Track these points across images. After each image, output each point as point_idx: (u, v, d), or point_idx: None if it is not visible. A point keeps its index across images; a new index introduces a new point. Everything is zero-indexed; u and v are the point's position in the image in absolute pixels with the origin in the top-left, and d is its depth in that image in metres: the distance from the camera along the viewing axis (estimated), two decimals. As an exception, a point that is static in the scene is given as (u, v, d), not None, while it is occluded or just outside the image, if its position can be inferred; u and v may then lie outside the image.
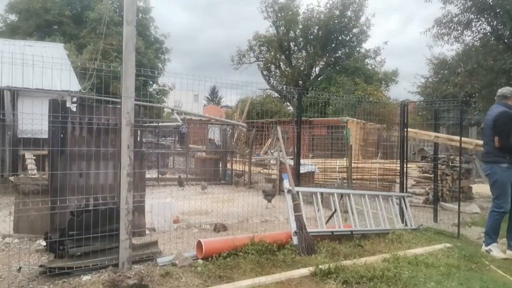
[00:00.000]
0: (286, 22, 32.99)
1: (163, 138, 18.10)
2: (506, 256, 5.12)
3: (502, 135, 5.13)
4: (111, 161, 5.27)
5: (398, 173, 7.70)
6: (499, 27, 17.87)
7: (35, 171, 9.30)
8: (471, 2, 17.14)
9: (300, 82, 33.44)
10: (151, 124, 14.32)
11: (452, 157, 10.43)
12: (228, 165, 13.40)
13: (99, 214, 4.42)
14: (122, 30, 4.36)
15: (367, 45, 41.97)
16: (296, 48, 35.23)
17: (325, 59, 33.58)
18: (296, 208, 5.11)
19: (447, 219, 7.73)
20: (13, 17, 28.36)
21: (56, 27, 27.33)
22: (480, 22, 18.53)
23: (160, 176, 11.96)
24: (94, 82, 9.56)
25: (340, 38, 33.42)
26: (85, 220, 4.36)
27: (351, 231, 5.63)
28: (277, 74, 36.78)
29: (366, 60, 34.20)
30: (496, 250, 5.19)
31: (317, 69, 34.83)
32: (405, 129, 7.37)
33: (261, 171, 13.34)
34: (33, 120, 6.00)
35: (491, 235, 5.24)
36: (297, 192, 5.33)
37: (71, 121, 5.12)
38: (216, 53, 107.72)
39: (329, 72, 33.23)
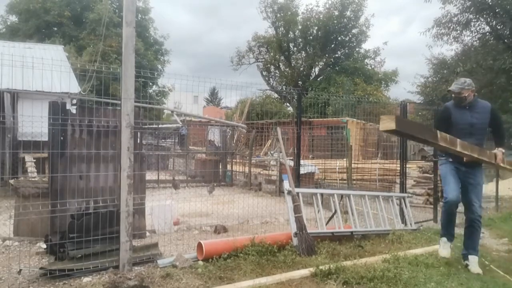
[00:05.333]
0: (285, 22, 33.01)
1: (163, 140, 18.10)
2: (445, 256, 4.66)
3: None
4: (111, 163, 5.27)
5: (398, 174, 7.71)
6: (499, 27, 17.89)
7: (35, 174, 9.31)
8: (470, 2, 17.17)
9: (299, 82, 33.45)
10: (151, 126, 14.33)
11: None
12: (228, 167, 13.41)
13: (99, 217, 4.43)
14: (121, 31, 4.37)
15: (367, 46, 41.87)
16: (295, 48, 35.25)
17: (324, 60, 33.60)
18: (296, 209, 5.11)
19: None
20: (13, 18, 28.39)
21: (56, 28, 27.32)
22: (479, 22, 18.57)
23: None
24: (94, 84, 9.57)
25: (339, 38, 33.44)
26: (85, 223, 4.37)
27: (351, 232, 5.63)
28: (276, 74, 36.81)
29: (366, 61, 34.22)
30: (442, 246, 4.71)
31: (317, 69, 34.87)
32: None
33: (261, 172, 13.34)
34: (33, 123, 5.99)
35: (442, 228, 4.84)
36: (297, 193, 5.33)
37: (71, 123, 5.13)
38: (220, 54, 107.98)
39: (328, 72, 33.25)
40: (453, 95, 4.74)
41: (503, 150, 4.63)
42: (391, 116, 3.63)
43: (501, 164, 4.72)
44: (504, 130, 4.92)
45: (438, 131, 4.11)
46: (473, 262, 4.53)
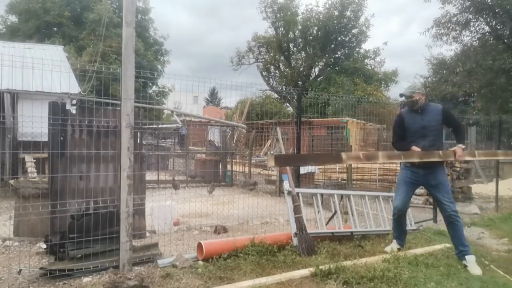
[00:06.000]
0: (285, 22, 33.03)
1: (163, 140, 18.10)
2: (391, 250, 4.97)
3: (392, 136, 5.27)
4: (111, 164, 5.27)
5: (398, 174, 7.70)
6: (498, 27, 17.89)
7: (35, 174, 9.31)
8: (469, 2, 17.17)
9: (299, 82, 33.47)
10: (151, 126, 14.34)
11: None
12: (228, 167, 13.40)
13: (99, 217, 4.44)
14: (121, 31, 4.37)
15: (367, 46, 41.94)
16: (295, 48, 35.27)
17: (324, 60, 33.62)
18: (296, 209, 5.11)
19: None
20: (13, 19, 28.40)
21: (55, 28, 27.33)
22: (479, 22, 18.56)
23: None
24: (94, 84, 9.58)
25: (339, 38, 33.45)
26: (85, 223, 4.38)
27: (351, 232, 5.63)
28: (276, 75, 36.83)
29: (366, 61, 34.24)
30: (393, 245, 5.08)
31: (317, 69, 34.90)
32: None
33: (261, 172, 13.35)
34: (33, 123, 5.99)
35: (394, 232, 5.19)
36: (297, 193, 5.33)
37: (71, 124, 5.13)
38: (220, 54, 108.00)
39: (328, 72, 33.27)
40: (405, 99, 4.99)
41: (463, 146, 4.84)
42: (272, 156, 4.32)
43: (462, 158, 5.04)
44: (461, 127, 5.14)
45: (342, 153, 4.72)
46: (471, 262, 4.56)
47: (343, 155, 4.66)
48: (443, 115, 4.88)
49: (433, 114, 4.87)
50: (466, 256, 4.60)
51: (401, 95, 5.24)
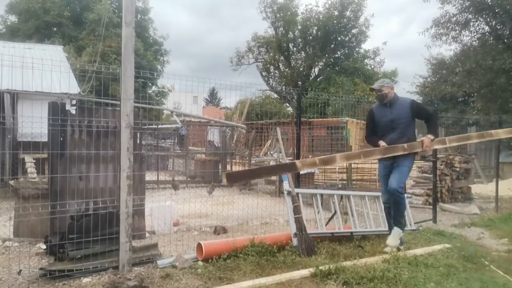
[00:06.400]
0: (285, 22, 33.01)
1: (163, 140, 18.09)
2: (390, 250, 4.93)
3: (366, 131, 5.48)
4: (111, 164, 5.27)
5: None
6: (498, 27, 17.88)
7: (35, 175, 9.30)
8: (469, 2, 17.15)
9: (299, 82, 33.44)
10: (151, 126, 14.33)
11: (451, 157, 10.44)
12: (228, 167, 13.40)
13: (99, 218, 4.44)
14: (121, 31, 4.37)
15: (367, 46, 41.99)
16: (295, 49, 35.24)
17: (324, 60, 33.59)
18: (296, 210, 5.11)
19: (446, 220, 7.73)
20: (13, 19, 28.39)
21: (55, 28, 27.31)
22: (479, 22, 18.54)
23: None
24: (94, 85, 9.56)
25: (339, 38, 33.43)
26: (85, 224, 4.38)
27: (351, 232, 5.64)
28: (276, 75, 36.78)
29: (366, 61, 34.23)
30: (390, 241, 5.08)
31: (316, 69, 34.86)
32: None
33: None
34: (33, 123, 5.99)
35: (389, 227, 5.32)
36: (297, 193, 5.33)
37: (71, 124, 5.12)
38: (220, 54, 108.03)
39: (328, 72, 33.25)
40: (375, 93, 5.24)
41: (432, 137, 5.03)
42: (224, 174, 4.24)
43: (430, 148, 5.18)
44: (433, 118, 5.27)
45: (296, 162, 4.79)
46: (394, 233, 4.97)
47: (298, 163, 4.69)
48: (412, 108, 5.07)
49: (402, 108, 5.07)
50: (393, 228, 5.00)
51: (371, 89, 5.49)
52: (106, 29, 23.07)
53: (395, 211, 5.08)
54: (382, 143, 4.99)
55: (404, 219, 5.33)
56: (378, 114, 5.22)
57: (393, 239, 4.98)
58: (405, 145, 4.95)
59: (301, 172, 7.65)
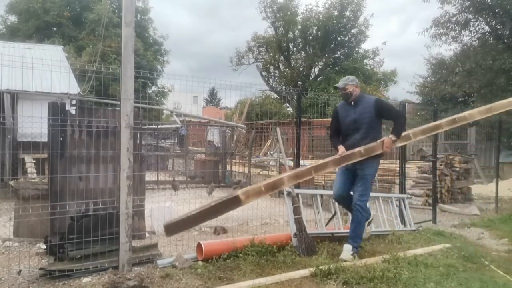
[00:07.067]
0: (285, 22, 33.01)
1: (163, 140, 18.09)
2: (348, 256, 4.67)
3: (330, 129, 5.27)
4: (111, 164, 5.27)
5: (398, 174, 7.71)
6: (498, 26, 17.88)
7: (35, 175, 9.30)
8: (469, 2, 17.18)
9: (299, 82, 33.44)
10: (151, 127, 14.33)
11: (451, 157, 10.44)
12: (228, 167, 13.39)
13: (99, 219, 4.44)
14: (121, 31, 4.37)
15: (367, 46, 42.00)
16: (295, 48, 35.24)
17: (324, 60, 33.59)
18: (296, 211, 5.10)
19: (446, 220, 7.73)
20: (13, 19, 28.40)
21: (55, 28, 27.31)
22: (479, 22, 18.55)
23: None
24: (93, 85, 9.57)
25: (338, 38, 33.45)
26: (85, 225, 4.38)
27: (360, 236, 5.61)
28: (276, 75, 36.79)
29: (365, 61, 34.24)
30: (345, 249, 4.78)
31: (316, 69, 34.86)
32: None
33: (261, 172, 13.34)
34: (33, 123, 5.99)
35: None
36: (297, 194, 5.33)
37: (71, 124, 5.12)
38: (220, 54, 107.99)
39: (328, 72, 33.24)
40: (340, 92, 4.98)
41: (394, 137, 4.72)
42: (163, 227, 4.11)
43: (390, 149, 4.82)
44: (399, 118, 4.89)
45: (239, 194, 4.17)
46: (345, 249, 4.73)
47: (241, 195, 4.13)
48: (376, 107, 4.81)
49: (366, 107, 4.83)
50: (344, 245, 4.78)
51: (335, 88, 5.25)
52: (106, 29, 23.07)
53: (352, 226, 4.85)
54: (341, 149, 4.73)
55: (361, 235, 4.92)
56: (342, 113, 4.98)
57: (345, 254, 4.66)
58: (362, 149, 4.66)
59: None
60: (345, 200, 5.09)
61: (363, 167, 4.81)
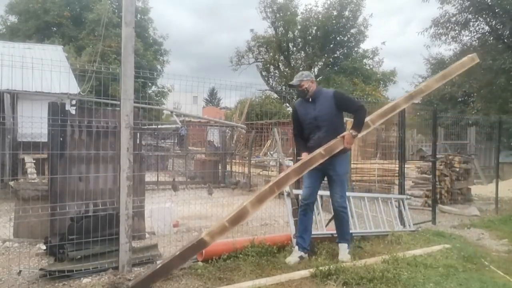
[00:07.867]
0: (285, 22, 33.05)
1: (163, 141, 18.09)
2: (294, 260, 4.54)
3: (293, 130, 4.98)
4: (111, 164, 5.27)
5: (397, 174, 7.70)
6: (498, 26, 17.89)
7: (35, 175, 9.30)
8: (468, 2, 17.18)
9: (299, 82, 33.40)
10: (151, 127, 14.34)
11: (450, 157, 10.44)
12: (228, 167, 13.38)
13: (99, 219, 4.44)
14: (120, 31, 4.38)
15: (366, 46, 41.90)
16: (294, 48, 35.27)
17: (323, 60, 33.64)
18: (295, 212, 5.08)
19: (446, 221, 7.73)
20: (13, 19, 28.42)
21: (55, 28, 27.33)
22: (478, 22, 18.56)
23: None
24: (93, 85, 9.58)
25: (338, 38, 33.48)
26: (85, 225, 4.38)
27: (351, 233, 5.63)
28: (276, 75, 36.81)
29: (364, 61, 34.25)
30: (293, 254, 4.65)
31: (316, 69, 34.86)
32: (404, 130, 7.42)
33: (261, 172, 13.35)
34: (33, 124, 5.99)
35: (297, 231, 4.82)
36: (296, 195, 5.33)
37: (71, 124, 5.12)
38: (220, 55, 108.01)
39: (327, 72, 33.27)
40: (295, 90, 4.79)
41: (354, 132, 4.47)
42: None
43: (351, 145, 4.60)
44: (359, 111, 4.62)
45: (203, 237, 3.95)
46: (341, 249, 4.70)
47: (206, 237, 3.94)
48: (335, 100, 4.58)
49: (325, 102, 4.58)
50: (339, 244, 4.74)
51: (289, 86, 4.98)
52: (106, 29, 23.07)
53: (339, 227, 4.76)
54: (304, 155, 4.54)
55: (349, 232, 4.88)
56: (301, 112, 4.70)
57: (343, 255, 4.63)
58: (322, 150, 4.40)
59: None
60: (312, 206, 4.86)
61: (333, 167, 4.61)
